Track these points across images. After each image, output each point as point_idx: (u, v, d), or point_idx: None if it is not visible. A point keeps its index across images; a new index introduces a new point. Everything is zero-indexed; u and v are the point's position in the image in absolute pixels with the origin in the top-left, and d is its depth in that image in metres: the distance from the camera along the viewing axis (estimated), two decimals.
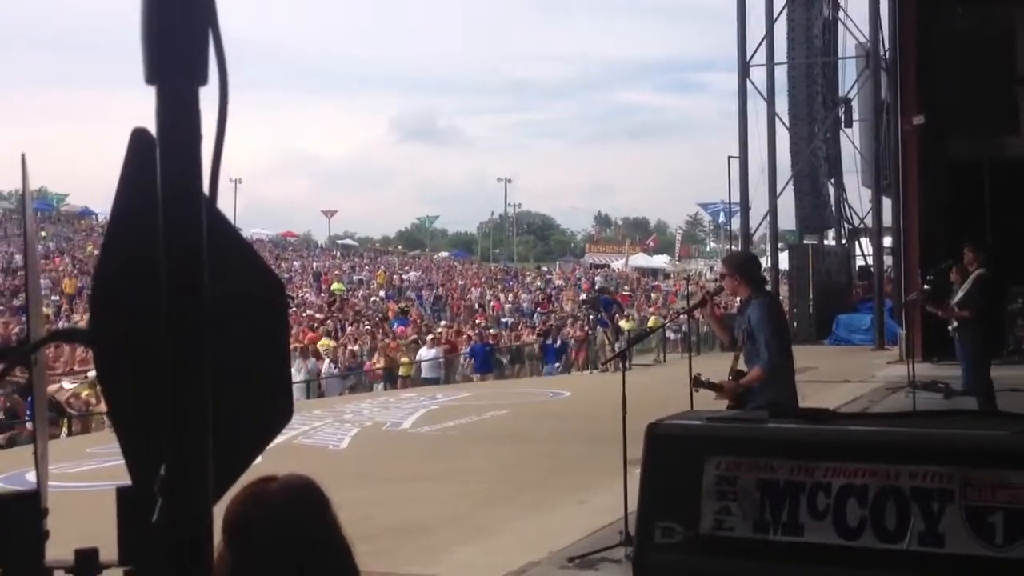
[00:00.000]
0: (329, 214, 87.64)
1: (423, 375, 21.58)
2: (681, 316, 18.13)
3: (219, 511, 1.16)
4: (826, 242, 28.06)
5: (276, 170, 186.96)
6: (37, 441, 1.15)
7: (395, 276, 47.48)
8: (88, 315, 1.02)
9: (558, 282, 50.26)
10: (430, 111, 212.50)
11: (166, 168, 0.80)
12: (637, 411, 6.93)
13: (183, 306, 0.79)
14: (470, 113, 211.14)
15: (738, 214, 26.56)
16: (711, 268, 63.03)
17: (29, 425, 13.50)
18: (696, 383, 6.80)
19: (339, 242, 78.87)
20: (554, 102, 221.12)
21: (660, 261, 72.83)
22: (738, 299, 7.16)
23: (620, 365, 7.26)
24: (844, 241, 28.14)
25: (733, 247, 28.79)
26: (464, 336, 25.21)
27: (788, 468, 2.77)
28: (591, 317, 24.07)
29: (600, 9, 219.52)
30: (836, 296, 25.47)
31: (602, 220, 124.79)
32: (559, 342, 24.14)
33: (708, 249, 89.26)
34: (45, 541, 1.00)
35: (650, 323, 27.65)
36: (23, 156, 1.03)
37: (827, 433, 3.01)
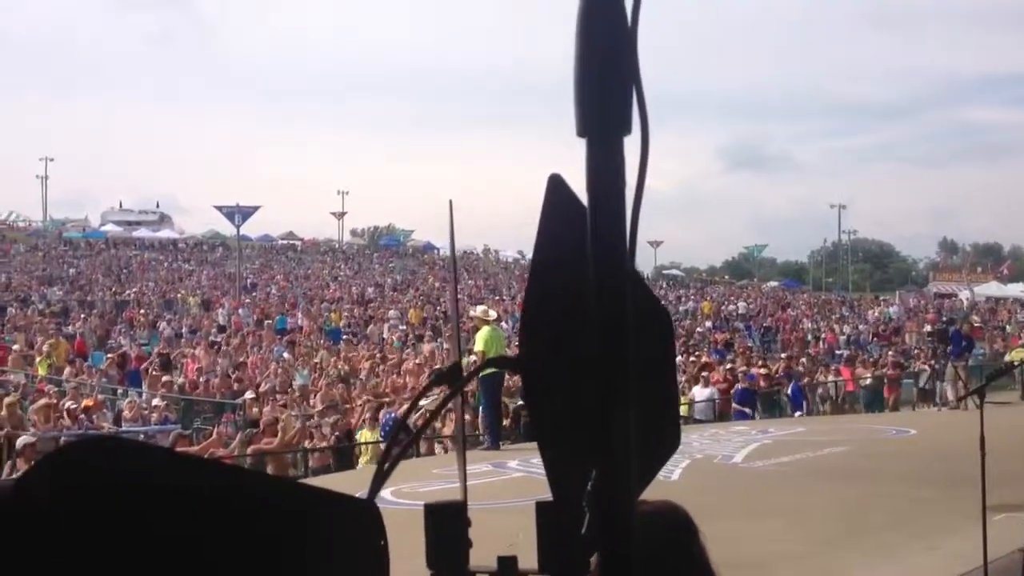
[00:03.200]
0: (655, 244, 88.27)
1: (695, 416, 20.15)
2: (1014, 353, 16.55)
3: None
4: None
5: None
6: (459, 459, 1.27)
7: (722, 307, 46.87)
8: (517, 346, 1.12)
9: (891, 309, 47.38)
10: (758, 138, 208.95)
11: (595, 215, 0.88)
12: (996, 453, 6.42)
13: (614, 344, 0.87)
14: (800, 138, 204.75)
15: None
16: None
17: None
18: None
19: (665, 272, 79.18)
20: (890, 123, 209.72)
21: (1016, 290, 66.53)
22: None
23: (973, 403, 6.76)
24: None
25: None
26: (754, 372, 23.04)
27: None
28: (938, 351, 22.44)
29: (940, 22, 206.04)
30: None
31: (947, 246, 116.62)
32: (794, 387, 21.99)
33: None
34: (469, 548, 1.11)
35: (1011, 356, 25.08)
36: (450, 202, 1.17)
37: None
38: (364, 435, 15.50)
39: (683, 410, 20.82)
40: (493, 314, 17.01)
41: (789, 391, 22.24)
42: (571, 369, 0.92)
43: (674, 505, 2.28)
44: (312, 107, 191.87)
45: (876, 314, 45.62)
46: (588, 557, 0.99)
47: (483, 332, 14.49)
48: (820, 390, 23.71)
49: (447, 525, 1.10)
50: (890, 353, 26.94)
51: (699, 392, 20.94)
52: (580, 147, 0.89)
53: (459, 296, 42.07)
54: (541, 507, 1.05)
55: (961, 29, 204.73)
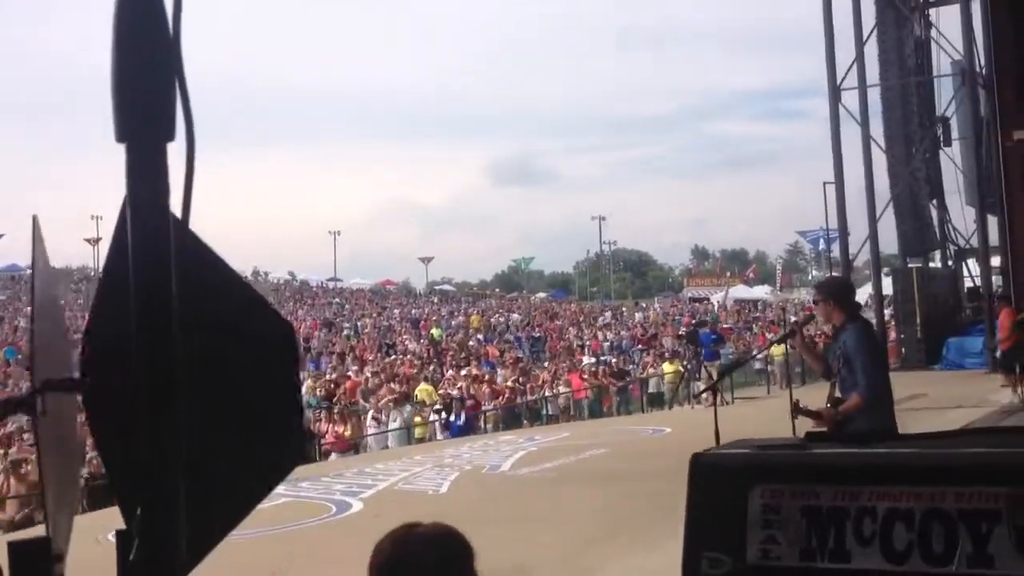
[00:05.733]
0: (426, 261, 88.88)
1: (438, 438, 19.99)
2: (772, 348, 17.79)
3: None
4: (932, 264, 27.23)
5: (376, 219, 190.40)
6: (46, 489, 1.19)
7: (493, 319, 47.68)
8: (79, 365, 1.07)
9: (638, 316, 50.13)
10: (525, 154, 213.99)
11: (136, 223, 0.83)
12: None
13: (154, 351, 0.82)
14: (564, 154, 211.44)
15: (837, 240, 26.00)
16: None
17: None
18: (795, 410, 6.71)
19: (436, 288, 79.76)
20: (648, 138, 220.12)
21: (761, 292, 71.53)
22: (830, 326, 7.05)
23: (724, 400, 7.16)
24: (951, 263, 27.28)
25: (834, 274, 28.12)
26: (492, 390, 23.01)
27: (832, 494, 2.70)
28: (688, 352, 23.73)
29: (690, 43, 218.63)
30: (945, 319, 24.65)
31: (700, 253, 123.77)
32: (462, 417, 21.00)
33: (810, 277, 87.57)
34: None
35: (773, 351, 26.52)
36: (35, 218, 1.09)
37: (869, 457, 2.92)
38: None
39: (423, 431, 20.64)
40: None
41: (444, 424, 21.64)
42: (130, 389, 0.87)
43: (448, 529, 2.30)
44: (60, 126, 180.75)
45: (635, 319, 47.86)
46: None
47: None
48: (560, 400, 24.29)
49: (30, 561, 1.02)
50: (611, 362, 28.02)
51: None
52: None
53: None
54: (120, 535, 0.99)
55: (706, 52, 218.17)
